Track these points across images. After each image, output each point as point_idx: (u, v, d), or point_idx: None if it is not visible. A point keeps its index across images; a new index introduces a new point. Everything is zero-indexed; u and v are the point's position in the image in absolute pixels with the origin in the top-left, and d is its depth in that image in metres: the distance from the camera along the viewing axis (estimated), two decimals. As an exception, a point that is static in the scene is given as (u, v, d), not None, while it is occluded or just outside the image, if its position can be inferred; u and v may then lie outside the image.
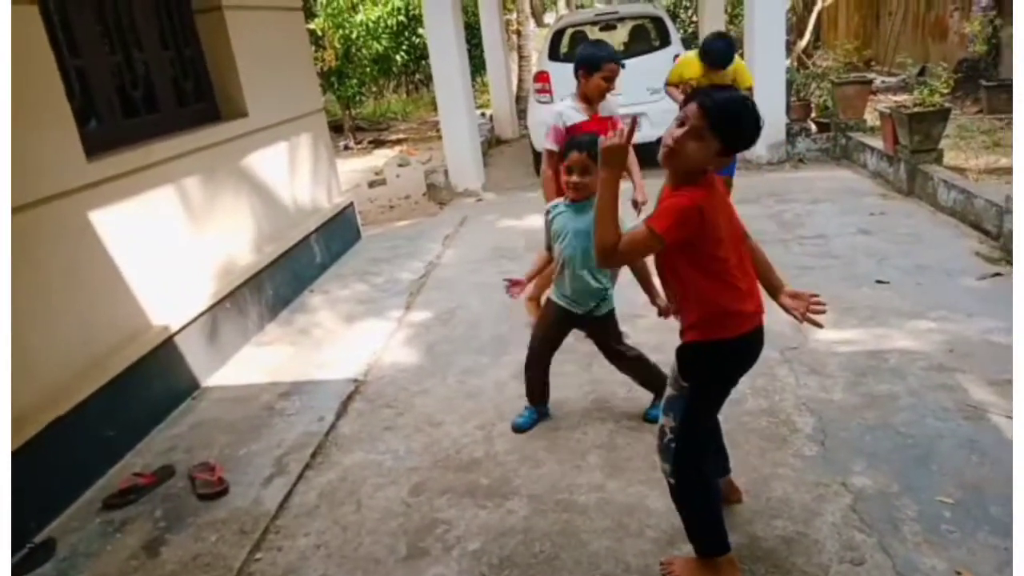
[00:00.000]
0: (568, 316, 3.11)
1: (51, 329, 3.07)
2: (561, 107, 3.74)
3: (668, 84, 5.27)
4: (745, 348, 2.14)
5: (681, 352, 2.16)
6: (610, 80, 3.64)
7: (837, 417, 3.08)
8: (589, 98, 3.67)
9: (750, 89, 4.96)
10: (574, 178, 2.89)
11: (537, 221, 6.50)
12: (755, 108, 1.96)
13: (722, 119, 1.90)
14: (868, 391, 3.25)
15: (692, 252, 1.99)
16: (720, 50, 4.83)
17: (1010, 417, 2.90)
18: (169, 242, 3.91)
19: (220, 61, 4.72)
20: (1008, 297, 3.70)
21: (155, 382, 3.60)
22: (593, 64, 3.61)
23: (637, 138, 2.07)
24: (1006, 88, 8.41)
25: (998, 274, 4.27)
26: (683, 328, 2.17)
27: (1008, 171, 6.16)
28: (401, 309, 4.84)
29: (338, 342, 4.42)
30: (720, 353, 2.11)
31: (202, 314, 4.03)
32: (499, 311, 4.63)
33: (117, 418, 3.31)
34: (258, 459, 3.20)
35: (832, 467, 2.76)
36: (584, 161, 2.86)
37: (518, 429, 3.23)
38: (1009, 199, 4.51)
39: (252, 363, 4.23)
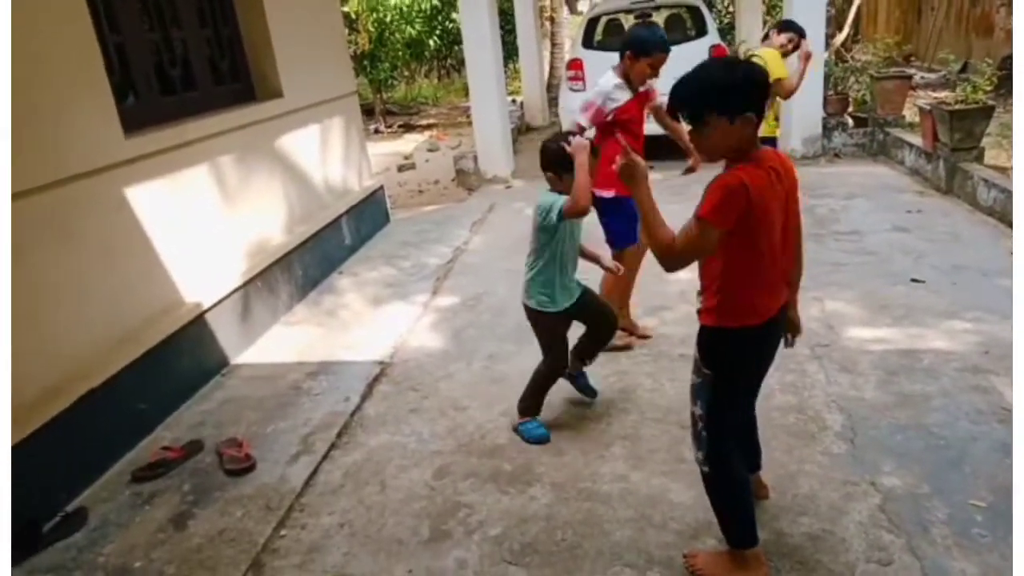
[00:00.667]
0: (568, 316, 3.08)
1: (85, 302, 3.12)
2: (607, 88, 3.56)
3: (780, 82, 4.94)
4: (763, 336, 2.11)
5: (701, 336, 2.14)
6: (655, 68, 3.51)
7: (867, 415, 3.03)
8: (631, 80, 3.55)
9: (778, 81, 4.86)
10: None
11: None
12: (714, 63, 1.93)
13: (692, 97, 1.89)
14: (900, 390, 3.19)
15: (733, 234, 1.91)
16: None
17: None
18: (203, 220, 3.95)
19: (257, 41, 4.75)
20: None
21: (186, 358, 3.65)
22: (643, 49, 3.47)
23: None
24: (1053, 86, 8.16)
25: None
26: (702, 309, 2.13)
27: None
28: (428, 293, 4.86)
29: (365, 324, 4.45)
30: (737, 340, 2.08)
31: (233, 292, 4.08)
32: (526, 298, 4.62)
33: (148, 392, 3.37)
34: (285, 437, 3.24)
35: (861, 466, 2.72)
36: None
37: (544, 440, 3.06)
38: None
39: (281, 342, 4.27)
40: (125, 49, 3.66)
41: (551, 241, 2.91)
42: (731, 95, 1.86)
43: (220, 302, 3.94)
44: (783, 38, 5.15)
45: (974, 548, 2.29)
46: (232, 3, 4.63)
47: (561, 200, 2.80)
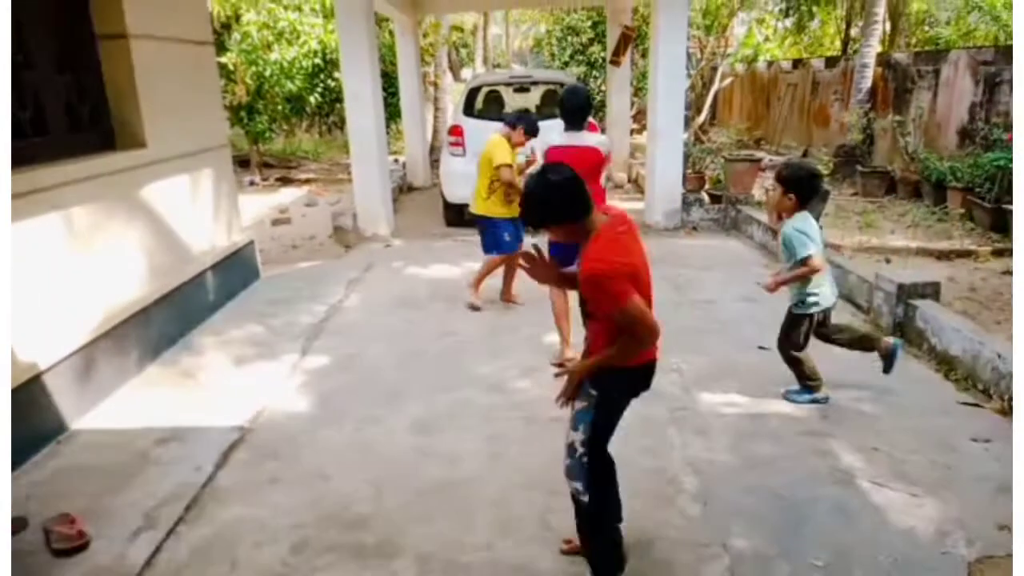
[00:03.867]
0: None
1: None
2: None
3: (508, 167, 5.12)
4: (650, 371, 2.39)
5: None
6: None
7: (720, 477, 3.19)
8: None
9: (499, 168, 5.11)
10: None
11: (442, 271, 6.53)
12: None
13: (550, 213, 2.26)
14: (749, 453, 3.39)
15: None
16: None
17: (876, 483, 3.09)
18: (48, 273, 3.66)
19: (121, 89, 4.54)
20: (873, 368, 3.98)
21: (15, 424, 3.28)
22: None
23: None
24: (879, 175, 9.23)
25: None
26: (591, 350, 2.37)
27: (879, 250, 6.71)
28: (297, 353, 4.69)
29: (225, 386, 4.22)
30: (631, 374, 2.34)
31: (77, 351, 3.76)
32: (399, 360, 4.57)
33: (-34, 463, 3.01)
34: (126, 511, 2.98)
35: (713, 528, 2.85)
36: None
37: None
38: (879, 276, 4.92)
39: (130, 406, 3.97)
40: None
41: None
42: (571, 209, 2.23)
43: (60, 362, 3.63)
44: (519, 133, 5.18)
45: (812, 605, 2.43)
46: (95, 48, 4.42)
47: None
